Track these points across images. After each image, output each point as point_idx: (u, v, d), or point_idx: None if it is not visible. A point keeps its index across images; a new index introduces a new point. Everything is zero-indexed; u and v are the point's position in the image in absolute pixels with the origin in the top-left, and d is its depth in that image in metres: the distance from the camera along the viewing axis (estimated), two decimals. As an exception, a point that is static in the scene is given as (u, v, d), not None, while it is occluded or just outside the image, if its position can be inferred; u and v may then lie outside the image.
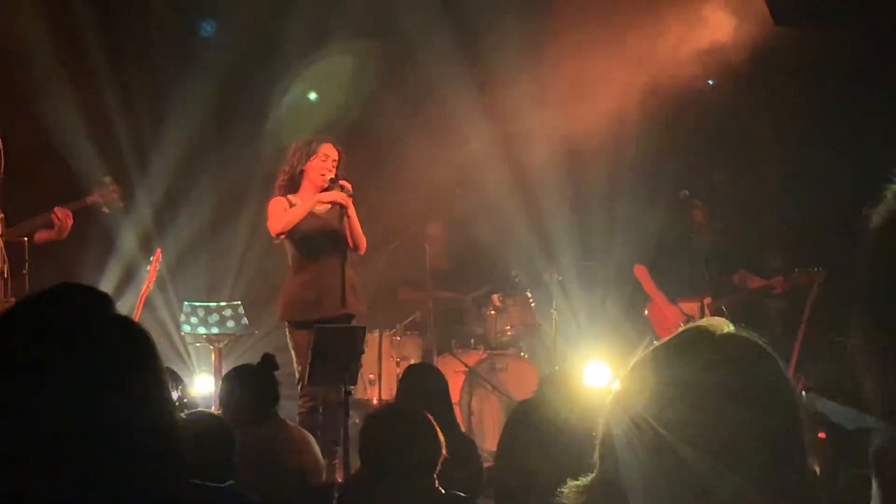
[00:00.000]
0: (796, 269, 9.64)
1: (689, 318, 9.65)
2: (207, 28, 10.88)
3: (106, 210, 8.86)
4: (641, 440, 1.64)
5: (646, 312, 9.98)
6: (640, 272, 9.90)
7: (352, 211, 8.01)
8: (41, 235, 8.29)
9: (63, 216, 8.26)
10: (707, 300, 9.39)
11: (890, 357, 0.72)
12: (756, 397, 1.63)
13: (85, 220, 8.79)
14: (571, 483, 1.75)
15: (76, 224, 8.31)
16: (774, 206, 11.17)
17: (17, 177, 7.99)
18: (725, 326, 1.71)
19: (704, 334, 1.70)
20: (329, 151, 8.12)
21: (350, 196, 7.96)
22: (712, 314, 9.23)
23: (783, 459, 1.62)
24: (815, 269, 9.97)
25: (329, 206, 7.99)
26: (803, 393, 3.69)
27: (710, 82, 10.94)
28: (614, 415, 1.71)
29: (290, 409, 7.93)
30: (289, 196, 8.10)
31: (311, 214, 8.01)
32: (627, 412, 1.69)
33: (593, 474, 1.74)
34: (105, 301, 1.85)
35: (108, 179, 8.88)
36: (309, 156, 8.10)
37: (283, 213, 8.02)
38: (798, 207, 10.61)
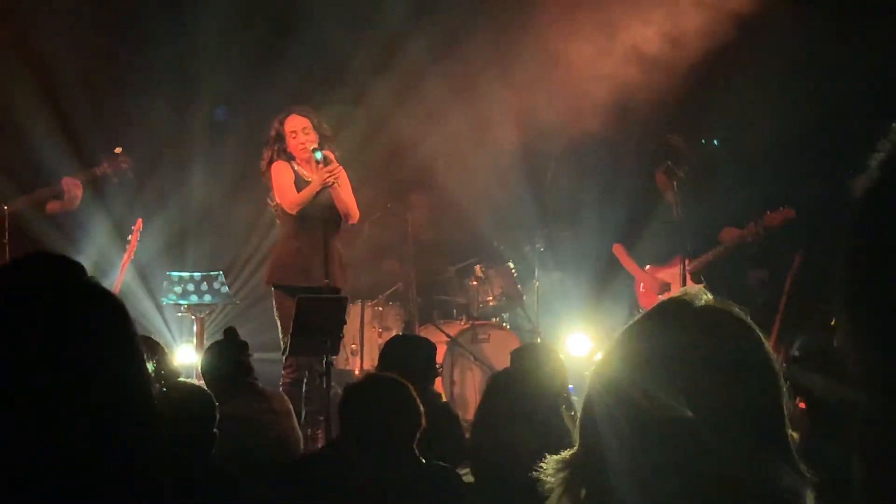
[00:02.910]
0: (767, 211, 9.57)
1: (666, 286, 9.66)
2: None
3: (115, 181, 8.87)
4: (622, 413, 1.63)
5: (642, 288, 9.94)
6: (619, 251, 9.87)
7: (344, 180, 8.02)
8: (52, 206, 8.33)
9: (71, 186, 8.28)
10: (687, 264, 9.37)
11: (873, 330, 0.71)
12: (737, 368, 1.62)
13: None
14: (552, 458, 1.73)
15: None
16: (755, 174, 11.17)
17: (23, 147, 8.01)
18: (704, 297, 1.70)
19: (684, 306, 1.68)
20: (295, 125, 8.10)
21: (331, 163, 7.94)
22: (692, 278, 9.25)
23: (764, 431, 1.61)
24: (799, 250, 9.98)
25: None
26: (785, 365, 3.67)
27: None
28: (595, 388, 1.70)
29: (277, 375, 7.98)
30: (292, 163, 8.10)
31: (307, 183, 8.01)
32: (608, 385, 1.67)
33: (574, 448, 1.73)
34: (78, 270, 1.83)
35: (118, 150, 8.88)
36: (281, 141, 8.10)
37: (290, 185, 8.02)
38: (779, 175, 10.60)
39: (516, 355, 5.80)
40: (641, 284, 9.84)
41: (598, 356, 1.73)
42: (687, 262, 9.30)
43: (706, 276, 9.36)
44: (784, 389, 1.64)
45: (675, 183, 9.33)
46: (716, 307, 1.68)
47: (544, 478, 1.71)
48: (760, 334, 1.66)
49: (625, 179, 10.23)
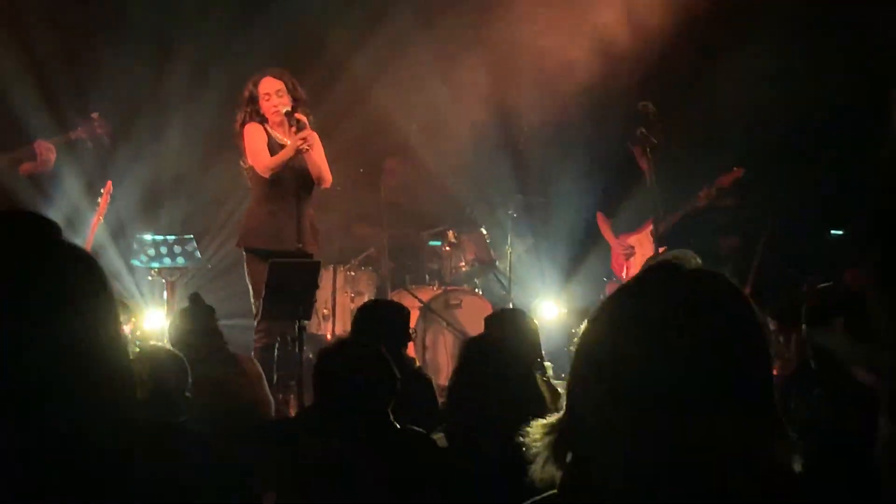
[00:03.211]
0: (734, 167, 9.57)
1: (632, 251, 9.69)
2: None
3: (90, 145, 8.82)
4: (610, 378, 1.60)
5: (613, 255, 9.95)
6: (600, 220, 9.87)
7: (317, 145, 7.98)
8: (25, 168, 8.34)
9: (44, 150, 8.26)
10: (654, 228, 9.40)
11: None
12: (727, 334, 1.60)
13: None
14: (537, 422, 1.71)
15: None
16: (727, 140, 11.18)
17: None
18: (693, 260, 1.67)
19: (672, 270, 1.65)
20: (269, 87, 8.04)
21: (305, 128, 7.89)
22: (658, 243, 9.27)
23: (753, 397, 1.59)
24: (767, 221, 10.00)
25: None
26: (803, 326, 3.65)
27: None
28: (583, 352, 1.67)
29: (249, 340, 7.94)
30: (265, 126, 8.03)
31: (282, 147, 7.95)
32: (596, 350, 1.65)
33: (561, 413, 1.70)
34: (53, 228, 1.79)
35: (95, 115, 8.84)
36: (254, 103, 8.03)
37: (263, 148, 7.95)
38: (751, 139, 10.61)
39: (490, 321, 5.79)
40: (612, 251, 9.87)
41: (586, 321, 1.70)
42: (653, 226, 9.33)
43: (677, 244, 9.36)
44: (773, 357, 1.62)
45: (647, 149, 9.33)
46: (706, 271, 1.66)
47: (530, 442, 1.69)
48: (749, 300, 1.64)
49: (602, 148, 10.21)
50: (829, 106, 10.21)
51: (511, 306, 9.63)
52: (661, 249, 9.31)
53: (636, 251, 9.73)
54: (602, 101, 10.67)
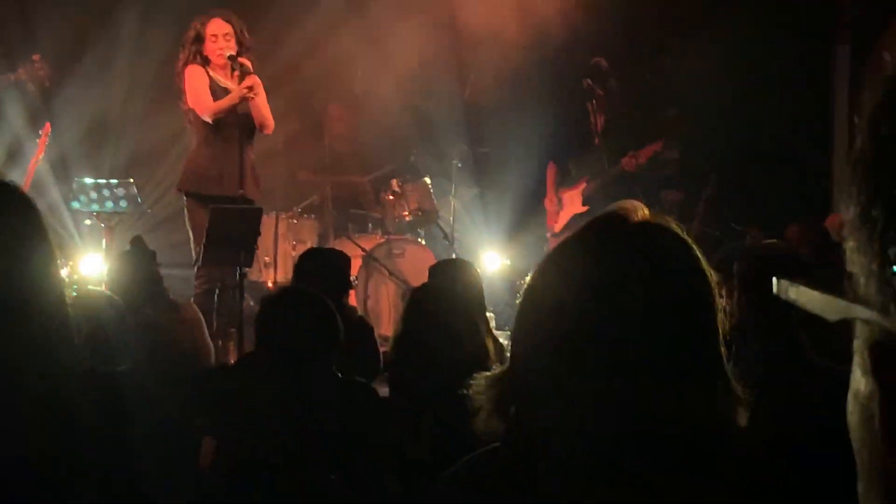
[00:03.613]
0: (658, 139, 9.58)
1: (560, 205, 9.74)
2: None
3: (31, 87, 8.68)
4: (554, 332, 1.59)
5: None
6: (549, 170, 9.88)
7: (260, 91, 7.89)
8: None
9: None
10: (586, 186, 9.44)
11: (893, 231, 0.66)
12: (674, 286, 1.58)
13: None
14: (481, 375, 1.69)
15: None
16: (674, 97, 11.22)
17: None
18: (640, 211, 1.65)
19: (619, 221, 1.63)
20: (217, 29, 7.93)
21: (249, 73, 7.80)
22: (584, 201, 9.31)
23: (700, 351, 1.58)
24: (710, 176, 10.05)
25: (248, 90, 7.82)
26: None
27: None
28: (527, 306, 1.65)
29: (188, 287, 7.86)
30: (207, 68, 7.92)
31: (224, 91, 7.87)
32: (540, 303, 1.63)
33: (505, 366, 1.69)
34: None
35: (36, 57, 8.70)
36: (200, 43, 7.92)
37: (205, 91, 7.84)
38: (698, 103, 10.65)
39: (434, 270, 5.77)
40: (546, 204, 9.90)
41: (532, 273, 1.68)
42: (587, 183, 9.39)
43: (618, 199, 9.39)
44: (719, 312, 1.61)
45: (593, 103, 9.35)
46: (653, 222, 1.64)
47: (474, 395, 1.67)
48: (697, 250, 1.62)
49: (555, 100, 10.19)
50: (776, 59, 10.27)
51: (454, 256, 9.64)
52: (584, 208, 9.38)
53: (564, 207, 9.77)
54: (558, 53, 10.65)
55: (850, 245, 0.73)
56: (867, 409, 0.72)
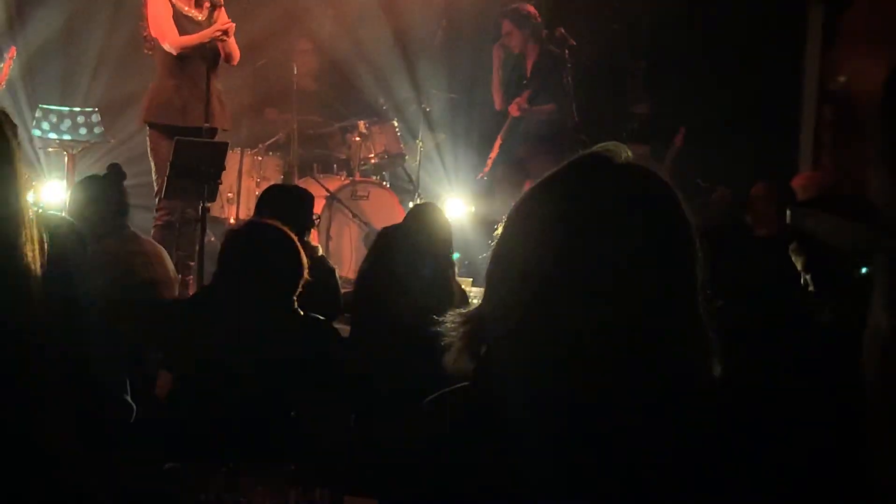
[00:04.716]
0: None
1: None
2: None
3: None
4: (530, 270, 1.55)
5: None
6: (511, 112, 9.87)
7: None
8: None
9: None
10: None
11: None
12: (655, 229, 1.55)
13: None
14: (454, 312, 1.66)
15: None
16: (641, 51, 11.19)
17: None
18: (624, 153, 1.61)
19: (603, 161, 1.60)
20: None
21: (220, 5, 7.68)
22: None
23: (677, 296, 1.55)
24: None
25: (208, 17, 7.67)
26: (788, 211, 3.49)
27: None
28: (504, 243, 1.62)
29: (147, 221, 7.76)
30: None
31: (190, 20, 7.72)
32: (518, 241, 1.60)
33: (479, 304, 1.66)
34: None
35: None
36: None
37: (168, 20, 7.66)
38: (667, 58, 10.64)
39: (413, 213, 5.71)
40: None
41: (509, 214, 1.64)
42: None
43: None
44: (699, 256, 1.58)
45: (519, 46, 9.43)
46: (636, 164, 1.60)
47: (446, 332, 1.64)
48: (679, 195, 1.59)
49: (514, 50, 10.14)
50: (747, 15, 10.26)
51: (419, 200, 9.60)
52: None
53: (494, 150, 9.91)
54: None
55: (879, 174, 0.70)
56: (886, 345, 0.69)
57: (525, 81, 9.62)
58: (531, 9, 9.67)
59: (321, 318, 4.32)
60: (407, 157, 10.34)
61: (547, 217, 1.57)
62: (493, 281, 1.64)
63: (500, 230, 1.63)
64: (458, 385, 1.65)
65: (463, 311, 1.66)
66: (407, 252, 4.53)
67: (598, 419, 1.51)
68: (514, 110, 9.62)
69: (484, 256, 1.74)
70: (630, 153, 1.62)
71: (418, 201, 9.29)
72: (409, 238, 4.67)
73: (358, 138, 10.21)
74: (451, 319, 1.65)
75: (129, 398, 3.08)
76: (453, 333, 1.63)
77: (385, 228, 5.12)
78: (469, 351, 1.63)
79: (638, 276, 1.52)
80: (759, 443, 1.62)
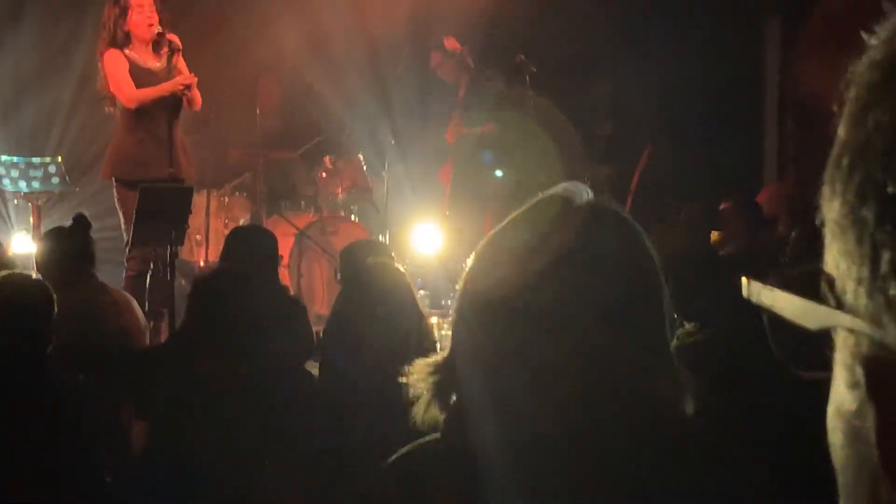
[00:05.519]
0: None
1: None
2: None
3: None
4: (495, 316, 1.54)
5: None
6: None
7: (185, 67, 7.73)
8: None
9: None
10: None
11: (885, 231, 0.60)
12: (619, 270, 1.54)
13: None
14: (421, 361, 1.64)
15: None
16: (605, 75, 11.24)
17: None
18: (585, 193, 1.60)
19: (564, 202, 1.58)
20: (142, 0, 7.72)
21: (179, 50, 7.65)
22: None
23: (645, 336, 1.54)
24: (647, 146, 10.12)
25: (167, 65, 7.64)
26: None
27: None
28: (468, 290, 1.60)
29: (119, 275, 7.70)
30: (125, 51, 7.71)
31: (148, 72, 7.68)
32: (481, 287, 1.58)
33: (446, 352, 1.63)
34: None
35: None
36: (124, 14, 7.71)
37: (126, 77, 7.62)
38: (630, 77, 10.68)
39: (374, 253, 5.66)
40: None
41: (473, 255, 1.63)
42: None
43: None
44: (666, 293, 1.57)
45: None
46: (598, 204, 1.59)
47: (413, 383, 1.62)
48: (643, 234, 1.58)
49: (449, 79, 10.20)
50: (707, 32, 10.32)
51: (387, 233, 9.62)
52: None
53: None
54: (491, 26, 10.66)
55: (833, 248, 0.68)
56: (853, 427, 0.67)
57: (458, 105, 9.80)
58: (455, 43, 9.85)
59: (295, 363, 4.29)
60: (374, 189, 10.34)
61: (510, 261, 1.56)
62: (460, 328, 1.62)
63: (462, 279, 1.62)
64: (430, 437, 1.63)
65: (430, 360, 1.64)
66: (373, 295, 4.49)
67: (572, 466, 1.50)
68: (449, 136, 9.76)
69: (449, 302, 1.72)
70: (591, 192, 1.61)
71: (387, 235, 9.33)
72: (374, 282, 4.62)
73: (324, 174, 10.21)
74: (418, 369, 1.63)
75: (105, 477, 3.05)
76: (421, 384, 1.61)
77: (352, 272, 5.03)
78: (439, 401, 1.61)
79: (606, 317, 1.50)
80: (732, 482, 1.61)
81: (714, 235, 7.46)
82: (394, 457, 1.66)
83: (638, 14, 10.36)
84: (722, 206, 7.75)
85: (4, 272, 4.38)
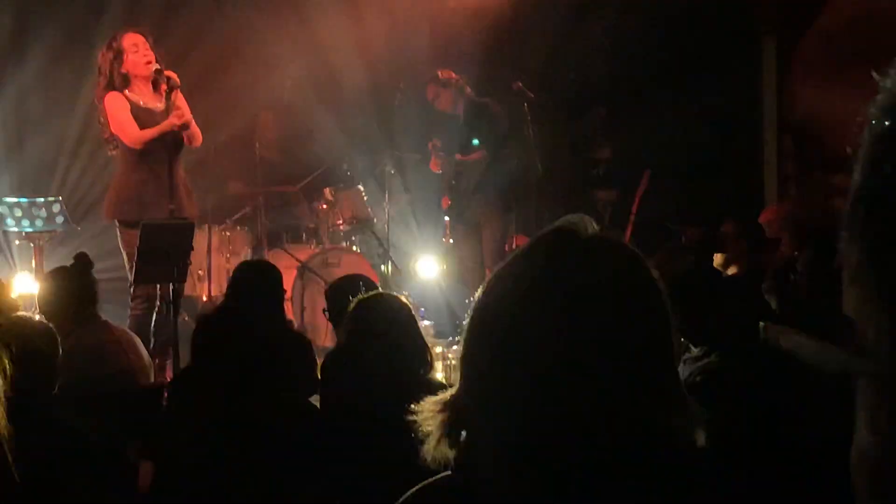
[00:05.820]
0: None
1: None
2: None
3: None
4: (504, 352, 1.53)
5: None
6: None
7: (185, 105, 7.72)
8: None
9: None
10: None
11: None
12: (627, 304, 1.53)
13: None
14: (430, 399, 1.63)
15: None
16: (602, 99, 11.27)
17: None
18: (590, 226, 1.59)
19: (571, 236, 1.58)
20: (135, 40, 7.73)
21: (177, 87, 7.65)
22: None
23: (655, 369, 1.53)
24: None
25: (168, 104, 7.64)
26: (762, 325, 3.47)
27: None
28: (475, 326, 1.59)
29: (122, 314, 7.70)
30: (125, 93, 7.71)
31: (148, 111, 7.68)
32: (489, 323, 1.57)
33: (455, 389, 1.62)
34: None
35: None
36: (119, 57, 7.71)
37: (129, 118, 7.61)
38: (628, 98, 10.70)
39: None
40: None
41: (480, 290, 1.62)
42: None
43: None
44: (674, 326, 1.56)
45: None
46: (604, 237, 1.59)
47: (422, 421, 1.60)
48: (648, 266, 1.57)
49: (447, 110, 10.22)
50: (703, 53, 10.35)
51: (390, 264, 9.61)
52: None
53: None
54: (488, 54, 10.70)
55: (852, 291, 0.67)
56: (878, 470, 0.66)
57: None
58: (451, 73, 9.88)
59: (299, 397, 4.28)
60: (375, 221, 10.35)
61: (518, 297, 1.55)
62: (469, 363, 1.60)
63: (469, 314, 1.61)
64: (440, 475, 1.62)
65: (438, 398, 1.63)
66: (377, 333, 4.47)
67: (586, 502, 1.48)
68: (433, 166, 9.83)
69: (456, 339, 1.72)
70: (595, 225, 1.60)
71: (389, 265, 9.32)
72: (379, 318, 4.60)
73: (325, 206, 10.22)
74: (427, 406, 1.62)
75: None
76: (430, 421, 1.60)
77: (355, 307, 4.99)
78: (449, 438, 1.59)
79: (616, 351, 1.49)
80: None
81: (717, 258, 7.44)
82: (406, 495, 1.65)
83: (635, 39, 10.37)
84: (723, 228, 7.75)
85: (11, 316, 4.37)
